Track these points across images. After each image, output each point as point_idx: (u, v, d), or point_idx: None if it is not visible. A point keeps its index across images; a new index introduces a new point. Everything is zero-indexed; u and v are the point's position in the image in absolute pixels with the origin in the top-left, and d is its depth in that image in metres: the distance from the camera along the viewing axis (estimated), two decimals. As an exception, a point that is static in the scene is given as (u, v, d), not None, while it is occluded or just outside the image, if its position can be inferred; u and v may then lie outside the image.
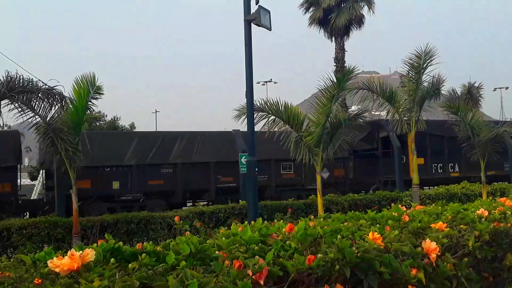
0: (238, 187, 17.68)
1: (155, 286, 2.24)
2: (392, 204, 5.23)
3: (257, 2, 10.53)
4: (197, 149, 18.40)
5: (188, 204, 18.97)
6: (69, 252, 2.32)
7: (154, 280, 2.31)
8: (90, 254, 2.38)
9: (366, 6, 31.47)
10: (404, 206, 5.30)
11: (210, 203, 17.49)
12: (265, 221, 4.20)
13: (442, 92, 15.82)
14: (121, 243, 2.78)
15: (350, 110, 26.26)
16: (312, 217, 4.31)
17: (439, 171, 22.64)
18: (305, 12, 32.55)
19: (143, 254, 2.62)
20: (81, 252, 2.35)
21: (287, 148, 12.00)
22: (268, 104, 12.14)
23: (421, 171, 22.86)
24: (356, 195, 15.50)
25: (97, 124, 38.62)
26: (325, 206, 13.34)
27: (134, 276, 2.33)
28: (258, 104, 11.98)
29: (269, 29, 10.80)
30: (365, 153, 22.52)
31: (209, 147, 18.60)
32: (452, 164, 22.61)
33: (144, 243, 2.93)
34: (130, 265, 2.49)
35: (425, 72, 13.40)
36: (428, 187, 21.17)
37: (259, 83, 64.27)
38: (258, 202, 10.80)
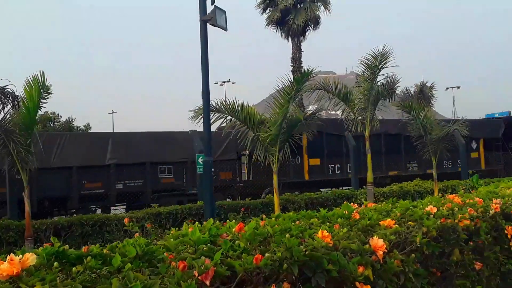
0: (107, 193, 17.03)
1: (98, 290, 2.21)
2: (345, 202, 5.30)
3: (212, 2, 10.52)
4: (56, 152, 16.69)
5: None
6: (8, 256, 2.26)
7: (97, 283, 2.28)
8: (30, 258, 2.33)
9: (322, 6, 31.86)
10: (356, 204, 5.39)
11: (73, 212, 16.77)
12: (218, 222, 4.20)
13: (396, 92, 16.16)
14: (66, 246, 2.73)
15: (307, 109, 26.49)
16: (264, 216, 4.33)
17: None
18: (262, 13, 32.81)
19: (89, 257, 2.57)
20: (21, 256, 2.29)
21: (168, 150, 11.62)
22: (225, 104, 12.14)
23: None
24: (312, 193, 15.63)
25: (51, 125, 37.82)
26: (282, 205, 13.43)
27: (78, 280, 2.29)
28: (215, 105, 11.98)
29: (225, 29, 10.80)
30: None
31: (71, 150, 16.98)
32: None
33: (91, 245, 2.89)
34: (74, 268, 2.45)
35: (380, 73, 13.65)
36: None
37: (217, 83, 64.23)
38: (214, 202, 10.79)
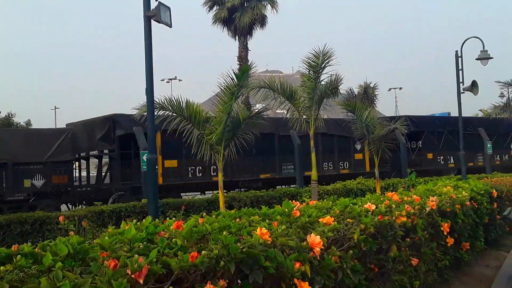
0: None
1: (26, 289, 2.14)
2: (286, 200, 5.34)
3: (157, -2, 10.37)
4: None
5: None
6: None
7: (26, 282, 2.21)
8: (-46, 257, 2.24)
9: (269, 5, 32.05)
10: (298, 202, 5.45)
11: None
12: (157, 220, 4.15)
13: (341, 91, 16.40)
14: (-4, 245, 2.64)
15: (253, 108, 26.50)
16: (205, 214, 4.31)
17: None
18: (209, 10, 32.72)
19: (19, 256, 2.49)
20: None
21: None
22: (170, 101, 12.00)
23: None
24: (258, 191, 15.71)
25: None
26: (227, 202, 13.44)
27: (5, 279, 2.21)
28: (160, 102, 11.82)
29: (170, 26, 10.65)
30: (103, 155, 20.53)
31: None
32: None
33: (23, 244, 2.80)
34: (2, 267, 2.37)
35: (323, 72, 13.80)
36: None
37: (163, 80, 63.52)
38: (158, 200, 10.64)
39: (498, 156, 28.99)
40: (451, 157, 26.13)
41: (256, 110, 14.45)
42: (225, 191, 17.68)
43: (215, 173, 18.61)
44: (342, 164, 23.22)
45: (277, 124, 20.51)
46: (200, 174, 19.05)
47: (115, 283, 2.16)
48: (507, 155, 29.86)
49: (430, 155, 26.00)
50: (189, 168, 18.75)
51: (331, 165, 22.73)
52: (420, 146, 26.10)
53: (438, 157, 26.20)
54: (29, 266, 2.43)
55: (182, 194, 18.77)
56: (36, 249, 2.70)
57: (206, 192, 19.37)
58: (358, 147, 23.37)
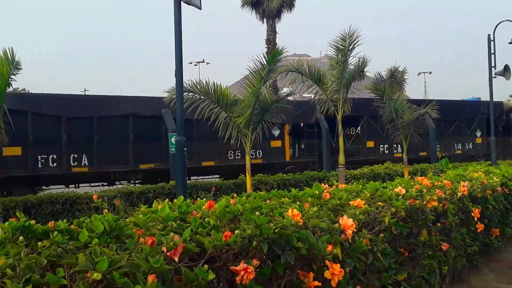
0: None
1: (64, 264, 2.18)
2: (316, 182, 5.32)
3: (186, -19, 10.37)
4: None
5: None
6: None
7: (64, 258, 2.25)
8: (-6, 232, 2.29)
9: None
10: (327, 185, 5.43)
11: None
12: (188, 200, 4.18)
13: (369, 75, 16.26)
14: (33, 221, 2.69)
15: (281, 92, 26.25)
16: (235, 195, 4.33)
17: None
18: (238, -7, 32.51)
19: (55, 232, 2.54)
20: (-15, 230, 2.25)
21: None
22: (198, 85, 12.06)
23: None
24: (285, 175, 15.72)
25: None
26: (254, 186, 13.48)
27: (43, 254, 2.26)
28: (188, 86, 11.88)
29: (199, 7, 10.68)
30: None
31: None
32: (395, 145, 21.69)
33: (59, 221, 2.84)
34: (40, 243, 2.42)
35: (351, 55, 13.68)
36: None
37: (191, 63, 63.75)
38: (186, 182, 10.75)
39: (459, 145, 25.77)
40: (399, 146, 22.00)
41: (284, 94, 14.40)
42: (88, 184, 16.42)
43: (76, 163, 16.12)
44: (253, 153, 19.10)
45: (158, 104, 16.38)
46: (55, 165, 15.84)
47: (152, 259, 2.19)
48: (471, 144, 26.51)
49: (370, 143, 22.58)
50: (38, 157, 15.62)
51: (239, 153, 18.72)
52: (359, 132, 22.82)
53: (382, 146, 22.83)
54: (65, 242, 2.47)
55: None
56: (72, 226, 2.74)
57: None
58: (276, 133, 19.72)
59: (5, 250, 2.27)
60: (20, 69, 10.71)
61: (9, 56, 10.28)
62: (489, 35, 19.37)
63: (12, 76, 10.58)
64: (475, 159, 21.52)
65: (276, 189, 9.42)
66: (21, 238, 2.42)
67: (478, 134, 26.54)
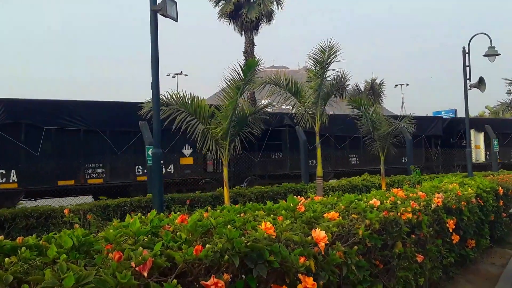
0: None
1: (30, 281, 2.15)
2: (291, 195, 5.32)
3: (163, -8, 10.37)
4: None
5: None
6: None
7: (31, 274, 2.21)
8: (-41, 248, 2.24)
9: (275, 1, 31.96)
10: (303, 198, 5.44)
11: None
12: (162, 214, 4.15)
13: (348, 87, 16.40)
14: (1, 236, 2.65)
15: (259, 103, 26.27)
16: (209, 208, 4.31)
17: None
18: (215, 5, 32.51)
19: (23, 248, 2.50)
20: None
21: None
22: (175, 97, 12.02)
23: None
24: (263, 187, 15.70)
25: None
26: (232, 198, 13.42)
27: (10, 271, 2.22)
28: (165, 98, 11.84)
29: (176, 20, 10.66)
30: None
31: None
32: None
33: (28, 237, 2.80)
34: (7, 259, 2.37)
35: (329, 68, 13.77)
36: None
37: (169, 75, 63.62)
38: (163, 195, 10.67)
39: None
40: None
41: (262, 105, 14.43)
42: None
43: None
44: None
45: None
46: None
47: (119, 275, 2.16)
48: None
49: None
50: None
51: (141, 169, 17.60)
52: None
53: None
54: (33, 258, 2.43)
55: None
56: (41, 242, 2.70)
57: None
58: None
59: (-30, 266, 2.22)
60: None
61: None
62: (464, 47, 19.67)
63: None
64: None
65: (253, 202, 9.43)
66: (-13, 254, 2.38)
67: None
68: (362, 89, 35.97)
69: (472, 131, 26.47)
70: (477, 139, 28.87)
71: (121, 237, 2.89)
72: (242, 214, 4.04)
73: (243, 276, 3.07)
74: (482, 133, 28.85)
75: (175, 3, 10.27)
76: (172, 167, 18.22)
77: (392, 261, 5.15)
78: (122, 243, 2.84)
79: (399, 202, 5.63)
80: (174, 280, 2.41)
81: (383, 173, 15.72)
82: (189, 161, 18.60)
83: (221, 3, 32.24)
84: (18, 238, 2.68)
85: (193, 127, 12.02)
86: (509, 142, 29.59)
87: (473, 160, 23.84)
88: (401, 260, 5.37)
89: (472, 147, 24.36)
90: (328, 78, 13.93)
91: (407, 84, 71.34)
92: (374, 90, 36.87)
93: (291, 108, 15.01)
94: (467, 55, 19.66)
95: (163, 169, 15.32)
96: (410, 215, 5.39)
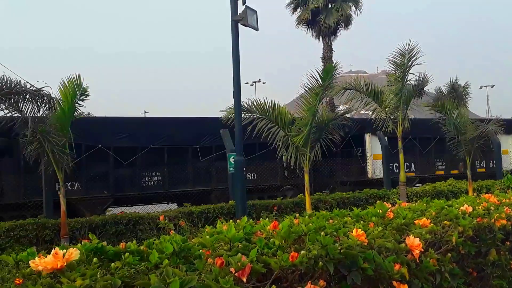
0: None
1: (137, 285, 2.25)
2: (379, 201, 5.25)
3: (244, 3, 10.57)
4: None
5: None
6: (53, 250, 2.32)
7: (136, 279, 2.32)
8: (74, 253, 2.38)
9: (353, 6, 31.62)
10: (389, 204, 5.35)
11: None
12: (251, 220, 4.22)
13: (429, 90, 15.95)
14: (104, 242, 2.79)
15: (338, 110, 26.02)
16: (298, 215, 4.33)
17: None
18: (293, 12, 32.62)
19: (126, 253, 2.62)
20: (65, 251, 2.35)
21: None
22: (256, 104, 12.16)
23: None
24: (344, 193, 15.54)
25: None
26: (313, 204, 13.38)
27: (117, 275, 2.33)
28: (246, 105, 12.01)
29: (256, 29, 10.84)
30: None
31: None
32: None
33: (128, 242, 2.93)
34: (113, 264, 2.50)
35: (410, 71, 13.48)
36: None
37: (247, 83, 64.40)
38: (246, 201, 10.82)
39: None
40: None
41: (342, 111, 14.32)
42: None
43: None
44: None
45: None
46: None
47: (222, 280, 2.23)
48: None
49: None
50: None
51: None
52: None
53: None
54: (137, 263, 2.55)
55: None
56: (142, 247, 2.82)
57: None
58: None
59: (80, 271, 2.36)
60: (88, 94, 11.10)
61: (76, 81, 10.69)
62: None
63: (79, 102, 10.98)
64: None
65: (336, 208, 9.37)
66: (95, 259, 2.52)
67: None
68: (445, 92, 34.77)
69: None
70: None
71: (216, 243, 2.97)
72: (330, 221, 4.03)
73: (335, 284, 3.07)
74: None
75: (255, 12, 10.44)
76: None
77: (486, 269, 4.97)
78: (217, 248, 2.91)
79: (492, 208, 5.41)
80: (273, 286, 2.45)
81: (470, 178, 15.12)
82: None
83: (298, 10, 32.32)
84: (121, 243, 2.80)
85: (274, 134, 12.11)
86: None
87: None
88: (495, 268, 5.16)
89: None
90: (409, 82, 13.64)
91: (492, 86, 68.41)
92: (456, 92, 35.54)
93: (370, 113, 14.81)
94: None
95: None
96: (504, 222, 5.16)
